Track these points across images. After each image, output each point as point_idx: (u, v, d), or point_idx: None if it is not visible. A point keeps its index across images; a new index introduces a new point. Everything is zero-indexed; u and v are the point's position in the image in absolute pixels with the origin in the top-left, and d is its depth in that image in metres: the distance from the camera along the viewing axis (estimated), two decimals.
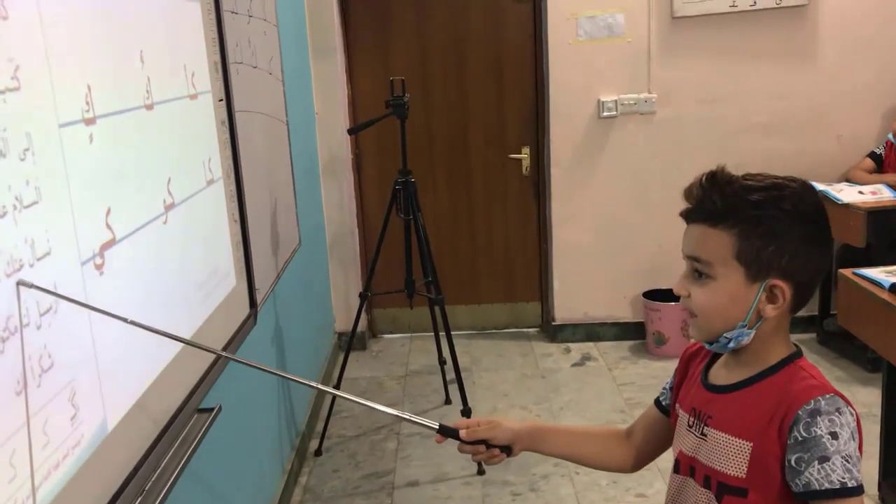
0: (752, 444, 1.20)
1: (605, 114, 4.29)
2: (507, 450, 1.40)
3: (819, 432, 1.13)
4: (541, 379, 4.12)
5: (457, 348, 4.46)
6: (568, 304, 4.56)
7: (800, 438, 1.14)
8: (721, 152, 4.20)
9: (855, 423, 1.17)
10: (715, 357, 1.33)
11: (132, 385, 1.59)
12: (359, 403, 1.42)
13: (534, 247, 4.66)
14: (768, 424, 1.18)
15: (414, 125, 4.48)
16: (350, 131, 3.21)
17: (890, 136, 4.14)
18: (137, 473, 1.56)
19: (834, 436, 1.13)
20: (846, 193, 3.93)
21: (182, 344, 1.87)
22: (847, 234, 3.92)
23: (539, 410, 3.73)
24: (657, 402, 1.46)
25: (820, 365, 4.08)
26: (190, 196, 2.01)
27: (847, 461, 1.13)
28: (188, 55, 2.09)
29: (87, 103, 1.47)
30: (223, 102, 2.35)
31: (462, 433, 1.36)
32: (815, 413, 1.14)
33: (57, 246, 1.31)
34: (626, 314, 4.52)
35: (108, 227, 1.52)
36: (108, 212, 1.52)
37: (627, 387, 3.95)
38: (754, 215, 1.18)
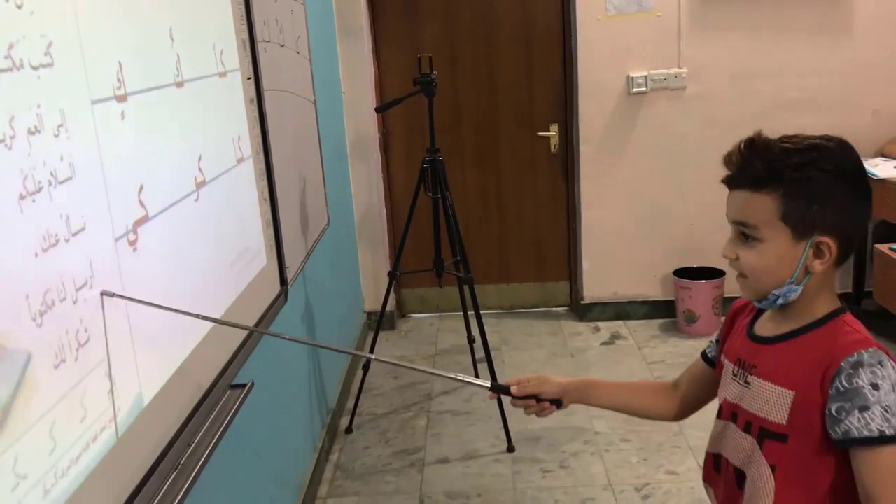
0: (794, 392, 1.24)
1: (634, 90, 4.24)
2: (557, 402, 1.49)
3: (860, 383, 1.17)
4: (570, 358, 4.11)
5: (486, 327, 4.50)
6: (597, 283, 4.54)
7: (841, 389, 1.18)
8: (753, 128, 4.10)
9: None
10: (761, 311, 1.37)
11: (166, 360, 1.61)
12: (408, 368, 1.49)
13: (563, 226, 4.64)
14: (811, 375, 1.22)
15: (442, 104, 4.46)
16: (377, 109, 3.20)
17: None
18: (172, 448, 1.59)
19: (875, 387, 1.17)
20: (882, 168, 3.85)
21: (209, 324, 1.89)
22: (884, 209, 3.85)
23: None
24: (703, 354, 1.51)
25: None
26: (221, 174, 2.02)
27: (886, 411, 1.17)
28: (217, 33, 2.09)
29: (119, 80, 1.47)
30: (251, 80, 2.36)
31: (513, 389, 1.46)
32: (857, 365, 1.18)
33: (91, 222, 1.33)
34: (656, 293, 4.48)
35: (141, 203, 1.54)
36: (141, 188, 1.54)
37: (657, 365, 3.93)
38: (796, 177, 1.21)
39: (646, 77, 4.22)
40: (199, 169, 1.87)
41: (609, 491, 2.90)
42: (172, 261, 1.67)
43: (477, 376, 3.41)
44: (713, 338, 1.50)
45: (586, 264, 4.51)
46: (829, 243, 1.23)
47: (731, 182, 1.28)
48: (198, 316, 1.55)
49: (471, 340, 3.69)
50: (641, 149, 4.31)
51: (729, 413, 1.37)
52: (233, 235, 2.10)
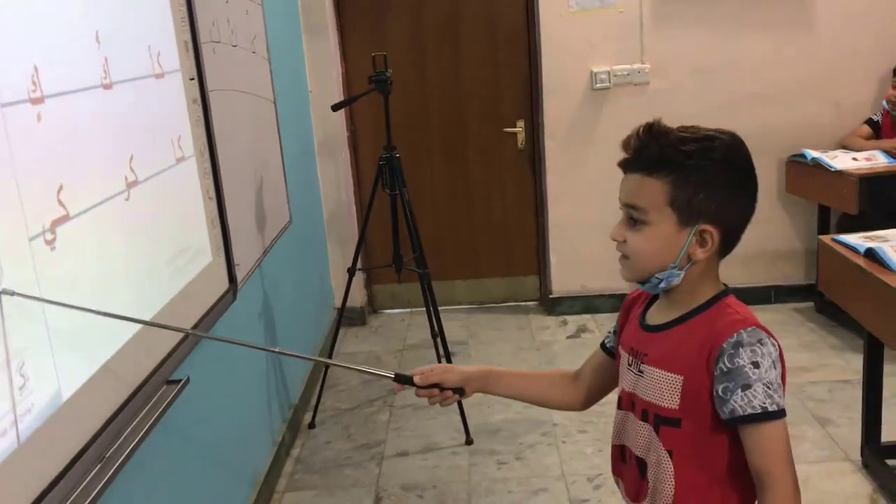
0: (683, 377, 1.29)
1: (598, 85, 4.28)
2: (460, 391, 1.51)
3: (742, 362, 1.22)
4: (535, 352, 4.15)
5: (455, 322, 4.56)
6: (565, 278, 4.58)
7: (725, 369, 1.23)
8: (716, 123, 4.16)
9: (777, 353, 1.25)
10: (653, 301, 1.41)
11: (91, 357, 1.64)
12: (316, 361, 1.50)
13: (531, 221, 4.68)
14: (697, 358, 1.27)
15: (409, 101, 4.52)
16: (334, 107, 3.23)
17: (884, 103, 4.09)
18: (96, 441, 1.62)
19: (755, 365, 1.22)
20: (840, 160, 3.90)
21: (145, 318, 1.93)
22: (840, 201, 3.90)
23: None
24: (603, 345, 1.55)
25: (816, 333, 4.09)
26: (157, 173, 2.06)
27: (768, 388, 1.22)
28: (154, 35, 2.12)
29: (34, 83, 1.51)
30: (195, 81, 2.40)
31: (416, 379, 1.49)
32: (737, 345, 1.23)
33: (1, 222, 1.36)
34: (623, 286, 4.48)
35: (61, 203, 1.57)
36: (60, 188, 1.57)
37: None
38: (687, 164, 1.25)
39: (609, 72, 4.26)
40: (131, 168, 1.90)
41: (562, 481, 2.95)
42: (98, 259, 1.70)
43: None
44: (611, 329, 1.53)
45: (554, 259, 4.56)
46: (712, 232, 1.27)
47: (626, 165, 1.31)
48: (112, 315, 1.57)
49: (434, 335, 3.72)
50: (606, 143, 4.33)
51: (628, 403, 1.40)
52: (170, 233, 2.14)
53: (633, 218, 1.30)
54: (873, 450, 2.84)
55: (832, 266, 2.70)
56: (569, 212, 4.47)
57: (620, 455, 1.44)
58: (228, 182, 2.60)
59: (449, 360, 3.42)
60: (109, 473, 1.63)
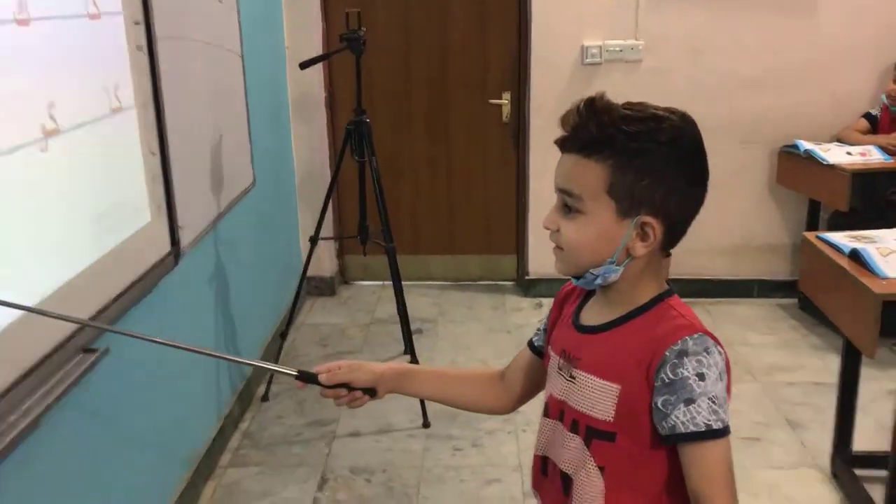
0: (620, 386, 1.15)
1: (588, 60, 4.09)
2: (371, 392, 1.35)
3: (685, 373, 1.09)
4: (506, 333, 4.01)
5: (427, 299, 4.41)
6: (544, 258, 4.41)
7: (667, 380, 1.10)
8: (709, 105, 4.01)
9: (724, 363, 1.13)
10: (588, 297, 1.26)
11: None
12: (210, 356, 1.36)
13: (512, 197, 4.51)
14: (636, 366, 1.13)
15: (392, 68, 4.33)
16: (301, 65, 3.04)
17: (883, 97, 3.92)
18: None
19: (701, 377, 1.09)
20: (833, 154, 3.73)
21: (59, 281, 1.77)
22: (831, 196, 3.75)
23: (497, 365, 3.61)
24: (530, 343, 1.40)
25: (797, 331, 3.95)
26: (83, 124, 1.89)
27: (713, 402, 1.09)
28: None
29: None
30: (140, 26, 2.21)
31: (322, 377, 1.32)
32: (682, 354, 1.10)
33: None
34: None
35: None
36: None
37: None
38: (630, 147, 1.10)
39: (600, 48, 4.08)
40: (51, 116, 1.73)
41: (518, 473, 2.82)
42: (4, 212, 1.54)
43: (409, 350, 3.30)
44: (540, 325, 1.38)
45: (533, 239, 4.40)
46: (654, 225, 1.13)
47: (563, 144, 1.16)
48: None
49: (401, 311, 3.57)
50: None
51: (556, 411, 1.25)
52: (99, 189, 1.97)
53: (568, 205, 1.15)
54: (844, 459, 2.71)
55: (814, 265, 2.55)
56: (551, 191, 4.26)
57: (542, 468, 1.28)
58: (177, 138, 2.42)
59: (408, 338, 3.27)
60: (2, 447, 1.47)
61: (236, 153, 3.17)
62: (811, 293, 2.65)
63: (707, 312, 4.11)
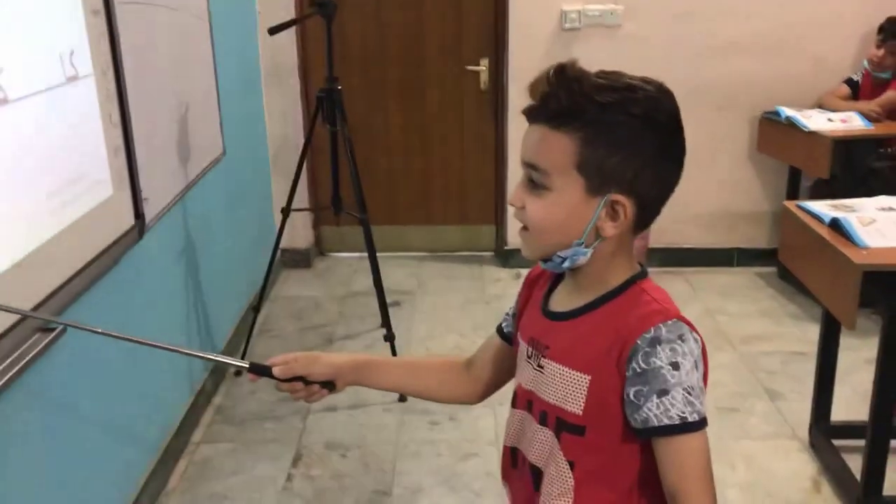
0: (590, 377, 1.09)
1: (567, 25, 4.01)
2: (330, 385, 1.29)
3: (658, 363, 1.03)
4: (484, 305, 3.96)
5: (404, 270, 4.35)
6: None
7: (638, 370, 1.04)
8: (690, 72, 3.96)
9: (700, 351, 1.07)
10: (557, 282, 1.19)
11: None
12: (159, 348, 1.30)
13: (490, 167, 4.44)
14: (607, 355, 1.07)
15: (366, 33, 4.23)
16: (270, 30, 2.93)
17: (865, 62, 3.87)
18: None
19: (675, 366, 1.03)
20: (814, 120, 3.69)
21: (17, 255, 1.70)
22: (811, 164, 3.71)
23: (476, 337, 3.57)
24: (499, 329, 1.32)
25: (776, 300, 3.92)
26: (35, 93, 1.79)
27: (689, 393, 1.03)
28: None
29: None
30: None
31: (275, 370, 1.25)
32: (654, 342, 1.03)
33: None
34: None
35: None
36: None
37: None
38: (601, 119, 1.03)
39: (579, 12, 3.99)
40: None
41: (494, 447, 2.78)
42: None
43: (385, 323, 3.23)
44: (509, 310, 1.31)
45: (511, 208, 4.32)
46: (625, 204, 1.05)
47: (530, 114, 1.07)
48: None
49: (379, 285, 3.51)
50: None
51: (524, 402, 1.19)
52: (54, 162, 1.88)
53: (534, 181, 1.07)
54: (822, 429, 2.70)
55: (794, 234, 2.51)
56: None
57: (512, 459, 1.23)
58: (139, 108, 2.33)
59: (383, 311, 3.22)
60: None
61: (204, 123, 3.07)
62: (790, 263, 2.61)
63: (686, 282, 4.09)
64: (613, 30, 4.02)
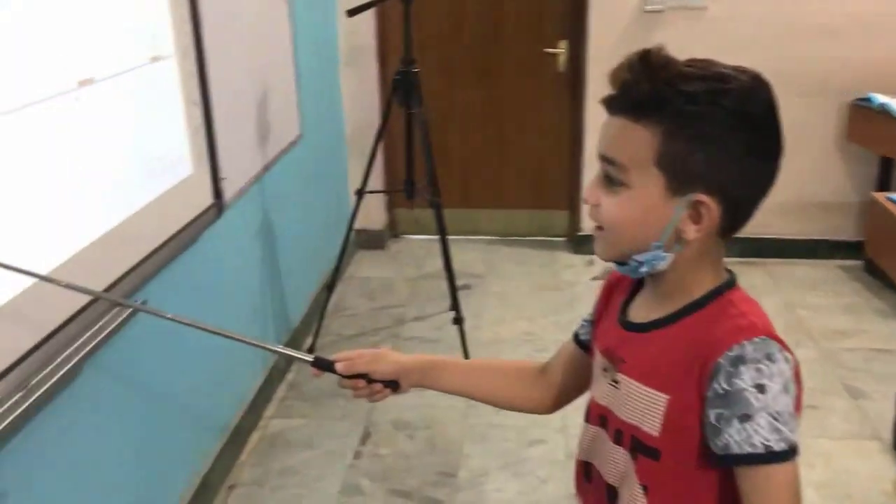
0: (668, 396, 1.00)
1: (649, 7, 3.91)
2: (393, 385, 1.24)
3: (742, 385, 0.93)
4: (556, 291, 3.93)
5: (475, 254, 4.34)
6: None
7: (720, 391, 0.95)
8: (780, 56, 3.79)
9: (791, 372, 0.97)
10: (638, 288, 1.11)
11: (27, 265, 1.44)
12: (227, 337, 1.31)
13: (567, 151, 4.38)
14: (687, 373, 0.98)
15: (441, 12, 4.21)
16: (349, 12, 2.95)
17: None
18: (20, 365, 1.46)
19: (760, 389, 0.93)
20: None
21: (98, 232, 1.76)
22: None
23: (545, 323, 3.56)
24: (576, 336, 1.25)
25: (861, 295, 3.77)
26: (119, 73, 1.85)
27: (776, 419, 0.93)
28: None
29: None
30: None
31: (338, 366, 1.21)
32: (738, 361, 0.94)
33: None
34: None
35: None
36: None
37: None
38: (686, 111, 0.94)
39: None
40: (84, 66, 1.70)
41: (562, 434, 2.77)
42: (26, 165, 1.51)
43: (454, 307, 3.24)
44: (587, 316, 1.23)
45: None
46: (710, 205, 0.97)
47: (609, 104, 1.00)
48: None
49: (449, 268, 3.52)
50: None
51: (597, 418, 1.12)
52: (137, 141, 1.94)
53: (611, 176, 1.00)
54: None
55: (883, 227, 2.41)
56: None
57: (586, 473, 1.16)
58: (220, 88, 2.38)
59: (453, 294, 3.22)
60: (29, 403, 1.47)
61: (283, 105, 3.12)
62: (878, 255, 2.50)
63: (766, 273, 3.96)
64: (698, 12, 3.90)
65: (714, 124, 0.94)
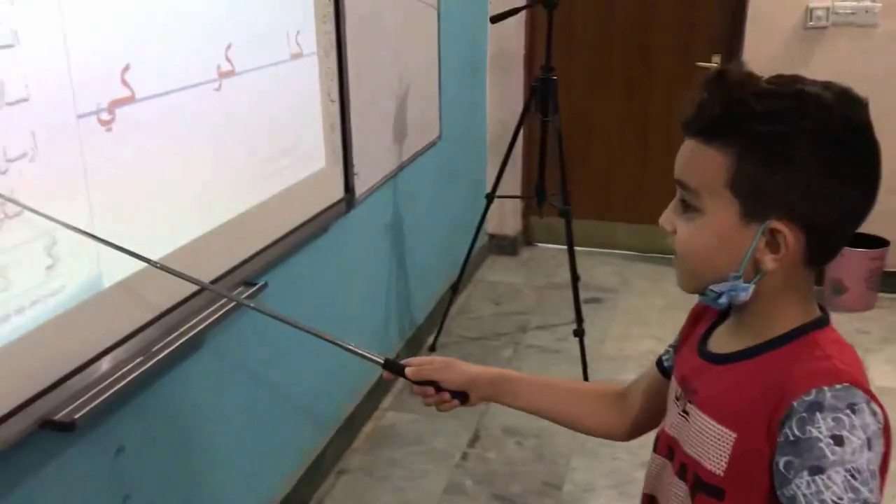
0: (736, 434, 0.94)
1: (811, 23, 3.70)
2: (461, 396, 1.20)
3: (816, 433, 0.85)
4: (688, 312, 3.78)
5: (609, 267, 4.27)
6: None
7: (791, 437, 0.87)
8: None
9: (879, 427, 0.87)
10: (724, 319, 1.05)
11: (140, 248, 1.55)
12: (296, 327, 1.34)
13: None
14: (758, 413, 0.91)
15: (590, 22, 4.16)
16: (492, 19, 2.98)
17: None
18: (135, 337, 1.58)
19: (838, 441, 0.84)
20: None
21: (231, 213, 1.86)
22: None
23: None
24: (659, 361, 1.20)
25: None
26: (261, 67, 1.96)
27: (853, 477, 0.83)
28: None
29: None
30: None
31: (408, 371, 1.19)
32: (814, 407, 0.86)
33: (37, 93, 1.30)
34: None
35: (125, 83, 1.50)
36: (126, 68, 1.50)
37: None
38: (759, 132, 0.88)
39: (828, 9, 3.66)
40: (227, 58, 1.82)
41: None
42: (165, 147, 1.64)
43: (580, 319, 3.20)
44: (672, 342, 1.18)
45: None
46: (787, 233, 0.89)
47: (685, 126, 0.95)
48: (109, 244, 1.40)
49: (575, 278, 3.48)
50: None
51: (665, 448, 1.06)
52: (271, 132, 2.05)
53: (685, 201, 0.95)
54: None
55: None
56: None
57: None
58: (359, 87, 2.47)
59: (579, 307, 3.18)
60: (138, 372, 1.56)
61: (423, 106, 3.19)
62: None
63: None
64: (867, 30, 3.65)
65: (790, 145, 0.87)
